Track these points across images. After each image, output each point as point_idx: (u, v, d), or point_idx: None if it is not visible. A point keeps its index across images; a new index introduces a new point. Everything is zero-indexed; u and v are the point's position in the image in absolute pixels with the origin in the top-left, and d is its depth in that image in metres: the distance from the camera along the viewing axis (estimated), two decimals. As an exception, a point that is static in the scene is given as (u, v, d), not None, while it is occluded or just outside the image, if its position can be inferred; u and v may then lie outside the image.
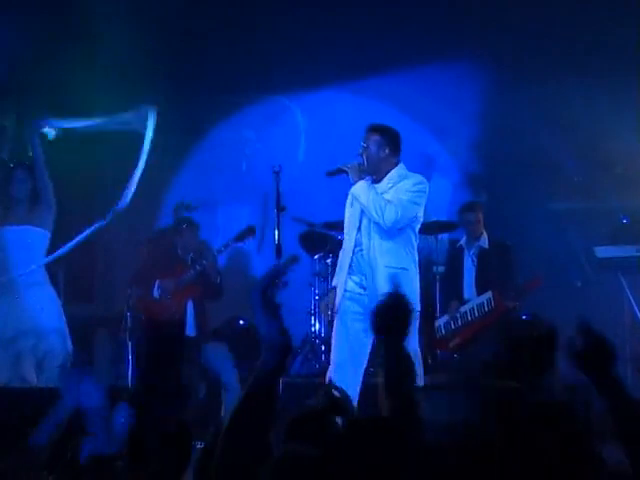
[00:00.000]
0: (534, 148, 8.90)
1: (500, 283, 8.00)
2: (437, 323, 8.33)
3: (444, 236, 8.83)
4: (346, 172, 6.19)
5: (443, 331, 8.28)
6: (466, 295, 8.28)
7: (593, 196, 8.69)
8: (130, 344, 7.96)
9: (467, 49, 8.93)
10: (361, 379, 6.02)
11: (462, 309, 8.19)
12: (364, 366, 6.08)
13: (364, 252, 6.13)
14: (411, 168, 6.33)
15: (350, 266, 6.18)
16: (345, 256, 6.26)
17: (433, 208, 9.52)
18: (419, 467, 2.63)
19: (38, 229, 7.22)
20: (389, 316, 3.08)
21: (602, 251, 8.19)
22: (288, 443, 3.14)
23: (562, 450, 2.68)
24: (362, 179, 6.14)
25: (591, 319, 2.99)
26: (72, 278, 8.06)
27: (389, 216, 5.99)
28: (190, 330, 8.12)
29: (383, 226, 6.03)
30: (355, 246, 6.18)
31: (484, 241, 8.30)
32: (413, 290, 6.03)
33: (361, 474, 2.59)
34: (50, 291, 7.39)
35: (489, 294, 8.03)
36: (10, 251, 7.16)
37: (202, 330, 8.12)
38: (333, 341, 6.24)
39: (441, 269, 8.61)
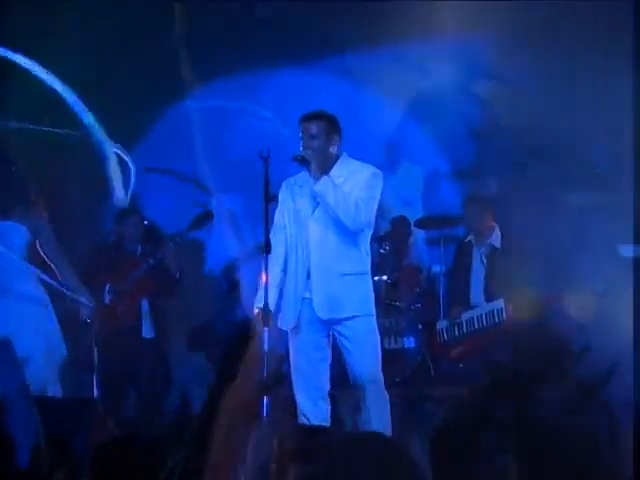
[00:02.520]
0: (550, 133, 8.14)
1: (514, 291, 7.11)
2: (438, 326, 7.58)
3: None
4: (308, 163, 5.48)
5: (445, 337, 7.49)
6: (473, 299, 7.47)
7: (618, 189, 7.88)
8: (95, 350, 7.27)
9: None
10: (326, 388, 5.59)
11: (467, 315, 7.38)
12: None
13: (315, 252, 5.52)
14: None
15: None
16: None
17: (433, 201, 8.82)
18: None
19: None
20: None
21: (628, 250, 7.37)
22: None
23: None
24: (325, 173, 5.46)
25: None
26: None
27: (358, 219, 5.46)
28: (147, 331, 7.61)
29: (350, 228, 5.46)
30: (300, 243, 5.56)
31: (496, 239, 7.50)
32: (371, 294, 5.61)
33: None
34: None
35: (501, 303, 7.20)
36: None
37: (161, 330, 7.63)
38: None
39: (444, 268, 7.85)
